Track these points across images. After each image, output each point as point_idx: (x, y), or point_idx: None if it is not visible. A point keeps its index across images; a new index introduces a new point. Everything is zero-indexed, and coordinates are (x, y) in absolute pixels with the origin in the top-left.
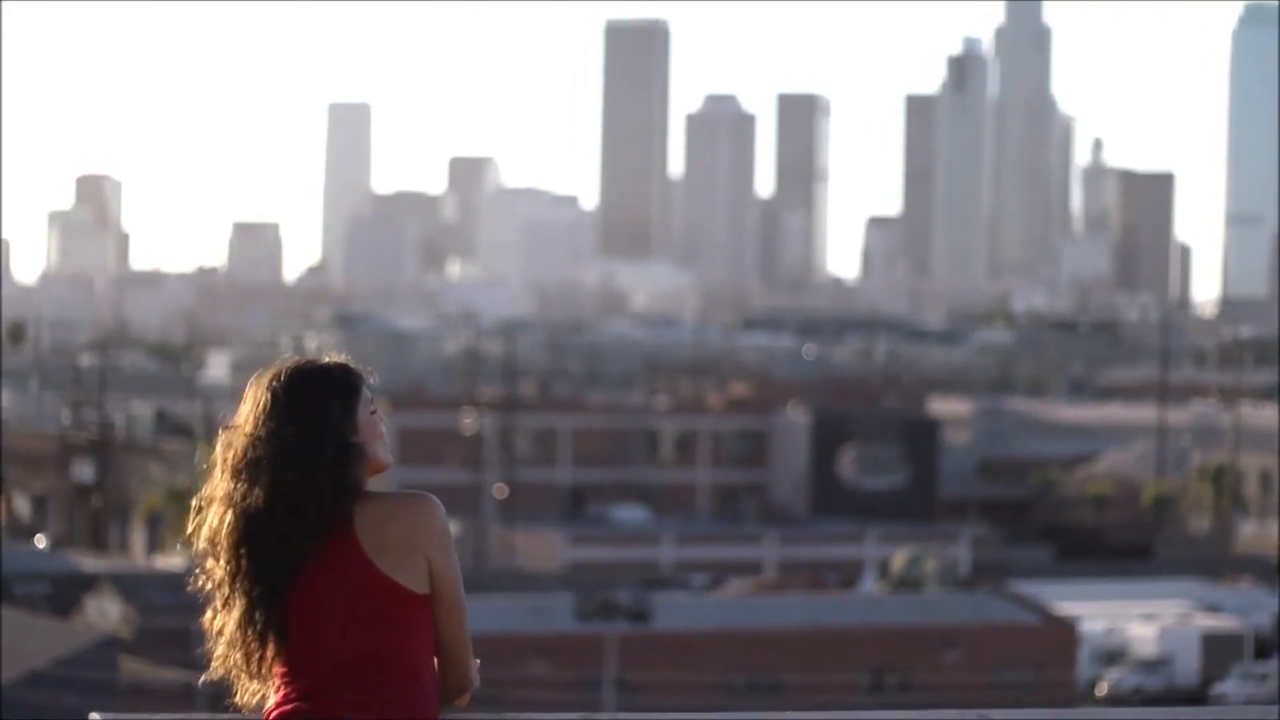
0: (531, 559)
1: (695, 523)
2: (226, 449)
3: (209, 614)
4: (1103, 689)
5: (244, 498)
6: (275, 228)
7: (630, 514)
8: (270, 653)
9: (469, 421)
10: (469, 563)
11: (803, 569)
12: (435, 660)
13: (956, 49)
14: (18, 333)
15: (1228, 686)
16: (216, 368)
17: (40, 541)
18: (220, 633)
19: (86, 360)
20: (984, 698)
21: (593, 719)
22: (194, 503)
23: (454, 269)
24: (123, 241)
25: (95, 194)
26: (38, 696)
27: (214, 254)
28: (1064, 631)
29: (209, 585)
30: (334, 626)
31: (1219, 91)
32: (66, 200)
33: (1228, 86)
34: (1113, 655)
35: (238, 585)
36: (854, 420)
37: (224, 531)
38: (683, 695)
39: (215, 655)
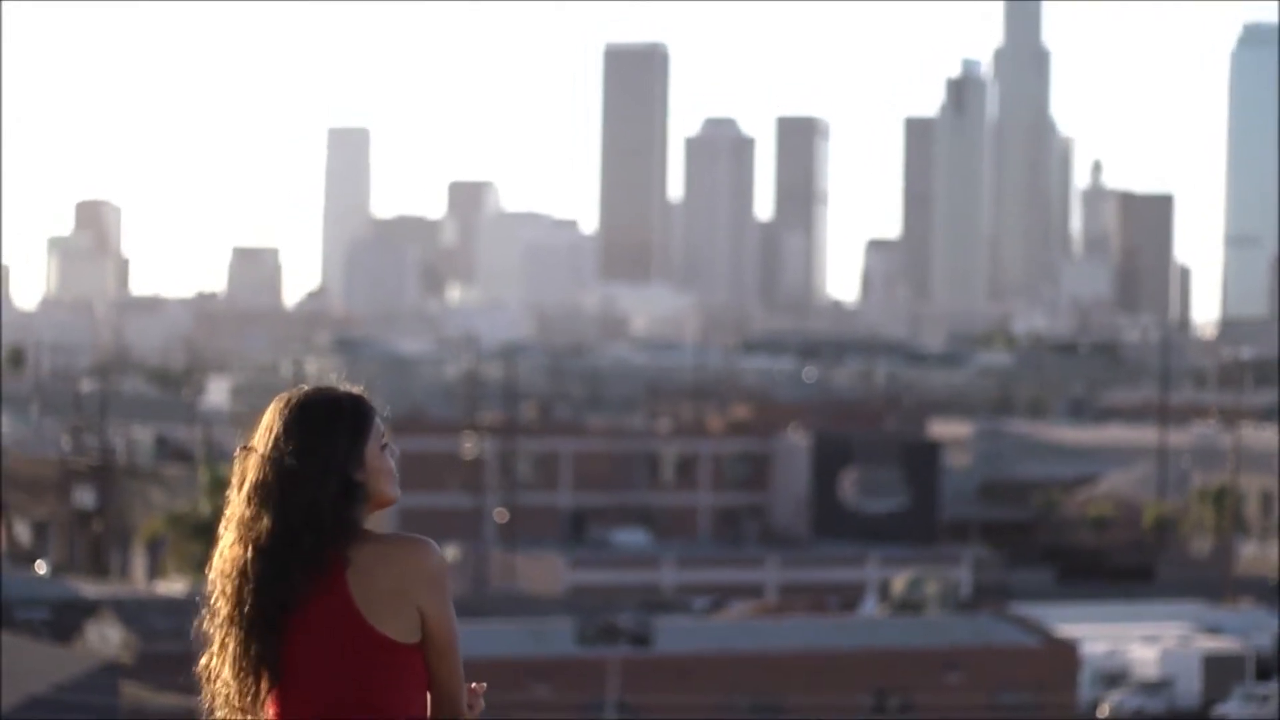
0: (532, 583)
1: (696, 546)
2: (241, 471)
3: (205, 658)
4: (1104, 711)
5: (252, 525)
6: (275, 253)
7: (631, 537)
8: (263, 689)
9: (469, 446)
10: (469, 588)
11: (804, 592)
12: (429, 700)
13: (955, 71)
14: (18, 358)
15: (1229, 708)
16: (216, 393)
17: (41, 567)
18: (214, 675)
19: (87, 386)
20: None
21: None
22: (220, 528)
23: (454, 293)
24: (122, 267)
25: (95, 219)
26: None
27: (214, 279)
28: (1065, 653)
29: (211, 623)
30: (319, 673)
31: (1218, 112)
32: (66, 226)
33: (1226, 107)
34: (1114, 677)
35: (237, 617)
36: (855, 443)
37: (231, 563)
38: (684, 718)
39: (210, 692)
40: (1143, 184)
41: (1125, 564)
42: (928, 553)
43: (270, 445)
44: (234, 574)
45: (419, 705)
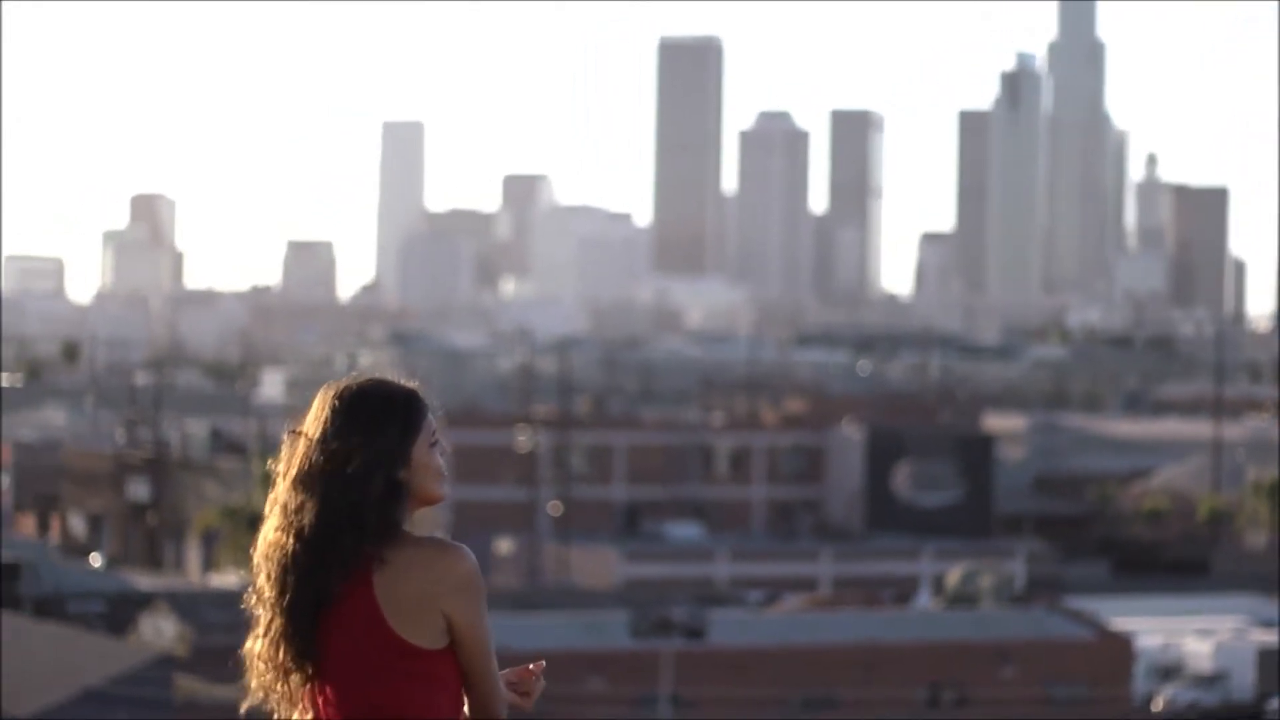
0: (587, 576)
1: (750, 539)
2: (289, 456)
3: (250, 640)
4: (1158, 705)
5: (297, 513)
6: (329, 246)
7: (685, 531)
8: (303, 677)
9: (524, 439)
10: (524, 581)
11: (858, 585)
12: (466, 701)
13: (1010, 64)
14: (73, 352)
15: None
16: (271, 386)
17: (95, 560)
18: (259, 657)
19: (141, 379)
20: (1040, 713)
21: None
22: (265, 509)
23: (508, 287)
24: (177, 260)
25: (150, 213)
26: (93, 714)
27: (268, 272)
28: (1120, 647)
29: (256, 604)
30: (347, 674)
31: (1272, 105)
32: (121, 220)
33: (1278, 99)
34: (1168, 671)
35: (280, 604)
36: (909, 436)
37: (275, 548)
38: (738, 711)
39: (253, 678)
40: (1198, 177)
41: (1180, 557)
42: (982, 546)
43: (320, 434)
44: (277, 559)
45: (447, 710)
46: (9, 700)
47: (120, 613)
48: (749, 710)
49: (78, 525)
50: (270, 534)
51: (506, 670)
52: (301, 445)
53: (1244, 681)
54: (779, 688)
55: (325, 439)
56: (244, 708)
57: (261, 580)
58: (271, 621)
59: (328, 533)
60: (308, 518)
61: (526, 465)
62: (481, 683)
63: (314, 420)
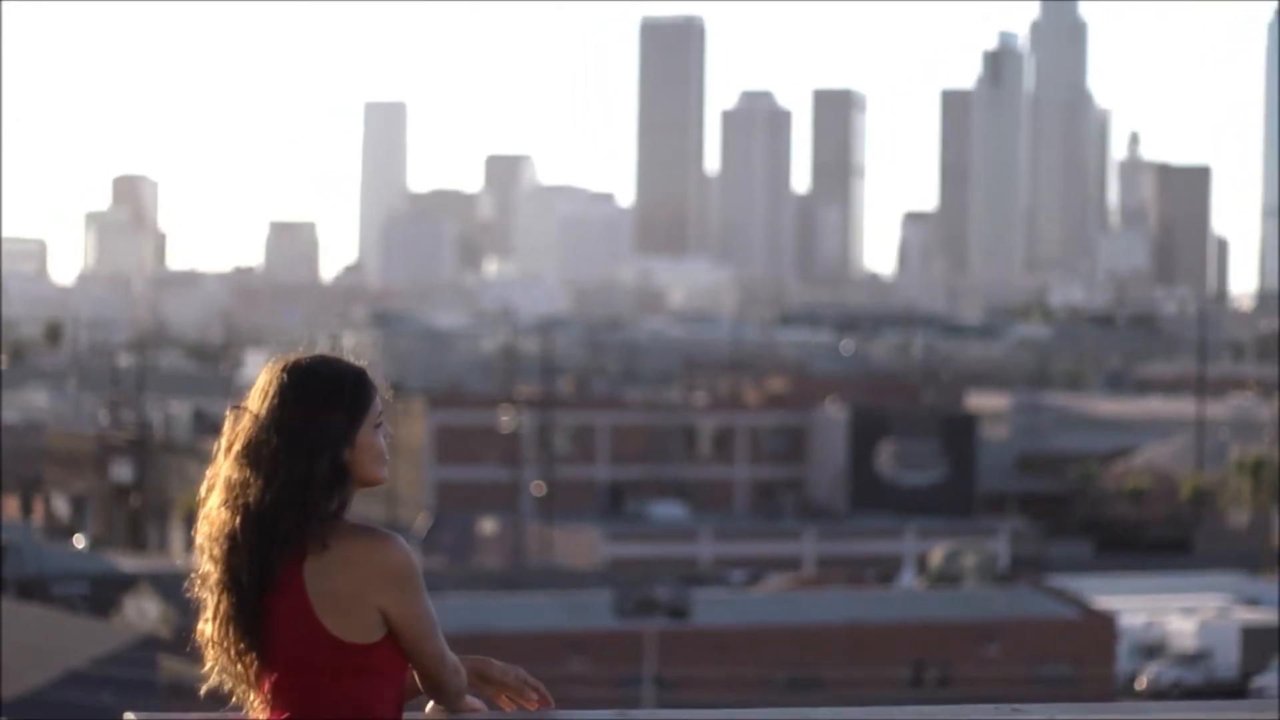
0: (570, 556)
1: (733, 519)
2: (233, 432)
3: (200, 624)
4: (1142, 683)
5: (242, 490)
6: (311, 226)
7: (668, 511)
8: (255, 662)
9: (507, 419)
10: (507, 561)
11: (841, 564)
12: (415, 679)
13: (992, 44)
14: (56, 334)
15: (1268, 680)
16: (254, 367)
17: (79, 542)
18: (210, 640)
19: (124, 361)
20: (1023, 692)
21: (628, 715)
22: (202, 487)
23: (491, 267)
24: (160, 241)
25: (132, 194)
26: (76, 696)
27: (251, 253)
28: (1103, 626)
29: (201, 586)
30: (285, 664)
31: (1255, 83)
32: (104, 201)
33: (1263, 78)
34: (1152, 649)
35: (228, 582)
36: (892, 416)
37: (220, 527)
38: (722, 691)
39: (208, 661)
40: (1180, 156)
41: (1163, 536)
42: (965, 525)
43: (266, 410)
44: (222, 538)
45: (387, 700)
46: None
47: (104, 594)
48: (733, 690)
49: (61, 507)
50: (214, 512)
51: (508, 668)
52: (246, 421)
53: (1228, 660)
54: (762, 667)
55: (272, 416)
56: (203, 690)
57: (206, 560)
58: (219, 603)
59: (273, 511)
60: (253, 496)
61: (509, 445)
62: (424, 661)
63: (259, 396)
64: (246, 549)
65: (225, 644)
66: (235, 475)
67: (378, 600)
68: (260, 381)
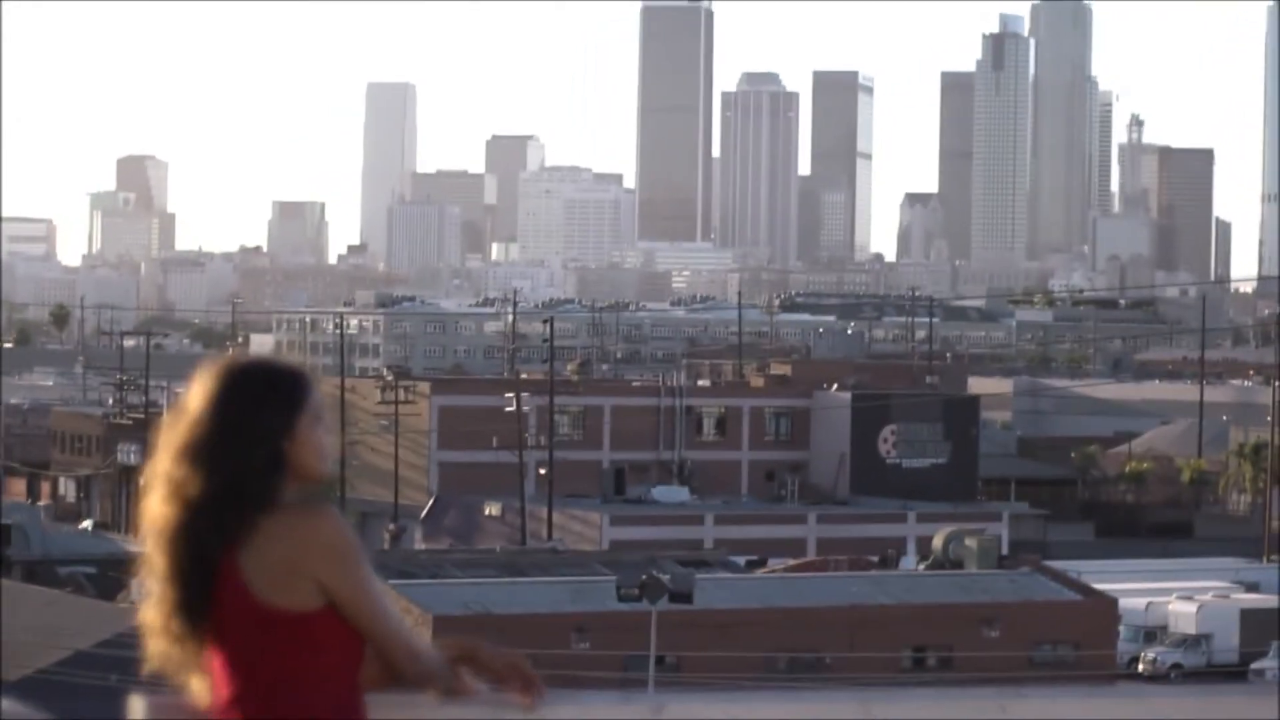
0: (573, 539)
1: (736, 502)
2: (173, 429)
3: (143, 611)
4: (1143, 665)
5: (183, 483)
6: (318, 206)
7: (672, 494)
8: (198, 648)
9: (510, 402)
10: (511, 543)
11: (844, 548)
12: (373, 661)
13: (993, 26)
14: (62, 316)
15: (1267, 663)
16: (260, 349)
17: (86, 524)
18: (152, 626)
19: (130, 342)
20: (1024, 674)
21: (632, 696)
22: (141, 482)
23: (496, 249)
24: (167, 222)
25: (139, 176)
26: (84, 678)
27: (257, 233)
28: (1104, 609)
29: (147, 575)
30: (229, 644)
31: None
32: (108, 181)
33: (1264, 62)
34: (1152, 632)
35: (168, 574)
36: (894, 399)
37: (161, 520)
38: (724, 673)
39: (150, 647)
40: (1182, 139)
41: (1163, 520)
42: (967, 509)
43: (204, 408)
44: (163, 530)
45: (337, 671)
46: None
47: (110, 576)
48: (735, 672)
49: (67, 489)
50: (155, 506)
51: (503, 654)
52: (185, 419)
53: (1227, 643)
54: (765, 650)
55: (209, 413)
56: (144, 673)
57: (150, 552)
58: (163, 591)
59: (211, 502)
60: (191, 488)
61: (513, 428)
62: (376, 642)
63: (198, 396)
64: (186, 539)
65: (168, 630)
66: (174, 470)
67: (313, 570)
68: (199, 383)
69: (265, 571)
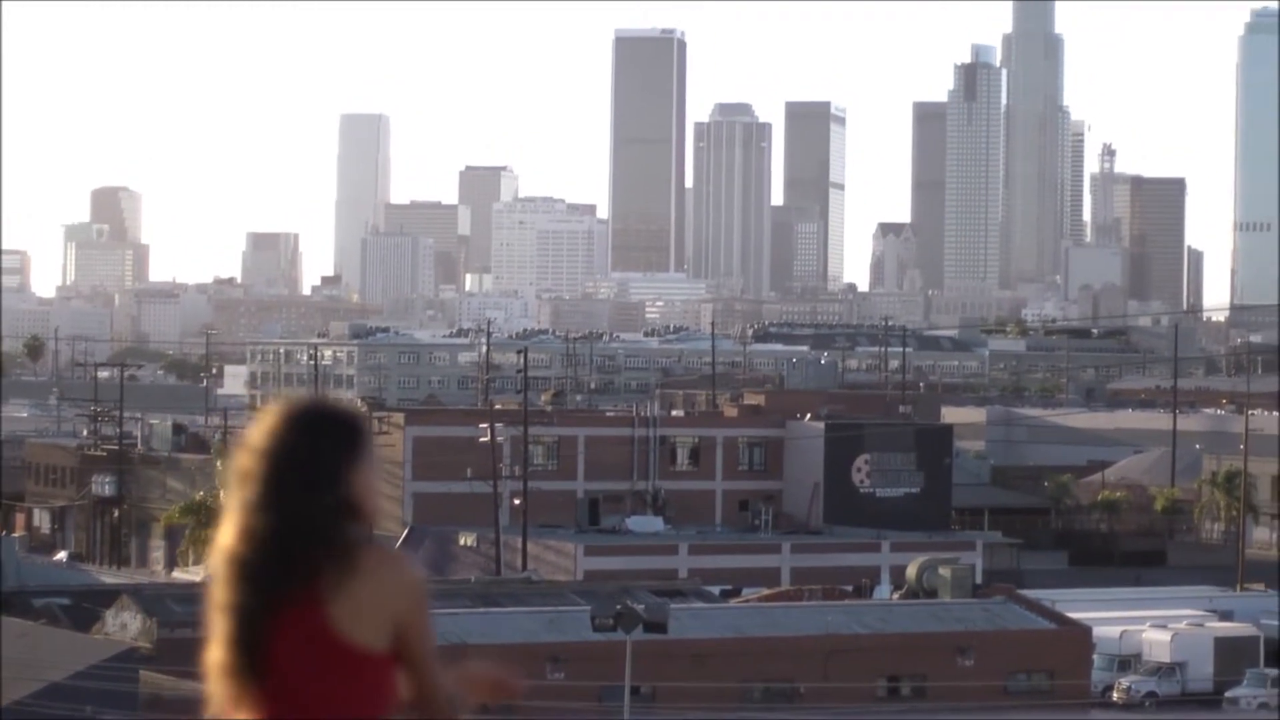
0: (548, 569)
1: (710, 532)
2: (246, 467)
3: (209, 647)
4: (1117, 694)
5: (253, 522)
6: (292, 237)
7: (646, 524)
8: (252, 683)
9: (485, 432)
10: (485, 574)
11: (818, 578)
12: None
13: (965, 56)
14: (37, 348)
15: (1241, 691)
16: (233, 380)
17: (60, 555)
18: (214, 663)
19: (105, 374)
20: (999, 703)
21: None
22: (222, 516)
23: (469, 279)
24: (140, 254)
25: (112, 207)
26: (59, 708)
27: (230, 265)
28: (1078, 637)
29: (213, 611)
30: (296, 679)
31: (1228, 97)
32: (82, 213)
33: (1235, 92)
34: (1126, 661)
35: (234, 611)
36: (867, 429)
37: (230, 555)
38: (699, 703)
39: (212, 688)
40: (1155, 169)
41: (1137, 548)
42: (941, 538)
43: (272, 451)
44: (231, 566)
45: (386, 711)
46: None
47: (85, 607)
48: (710, 701)
49: (42, 520)
50: (226, 541)
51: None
52: (258, 458)
53: (1201, 671)
54: (740, 679)
55: (280, 455)
56: (210, 714)
57: (217, 586)
58: (227, 628)
59: (282, 542)
60: (263, 526)
61: (487, 459)
62: (424, 682)
63: (266, 437)
64: (254, 577)
65: (227, 666)
66: (248, 508)
67: (394, 610)
68: (271, 420)
69: (352, 610)
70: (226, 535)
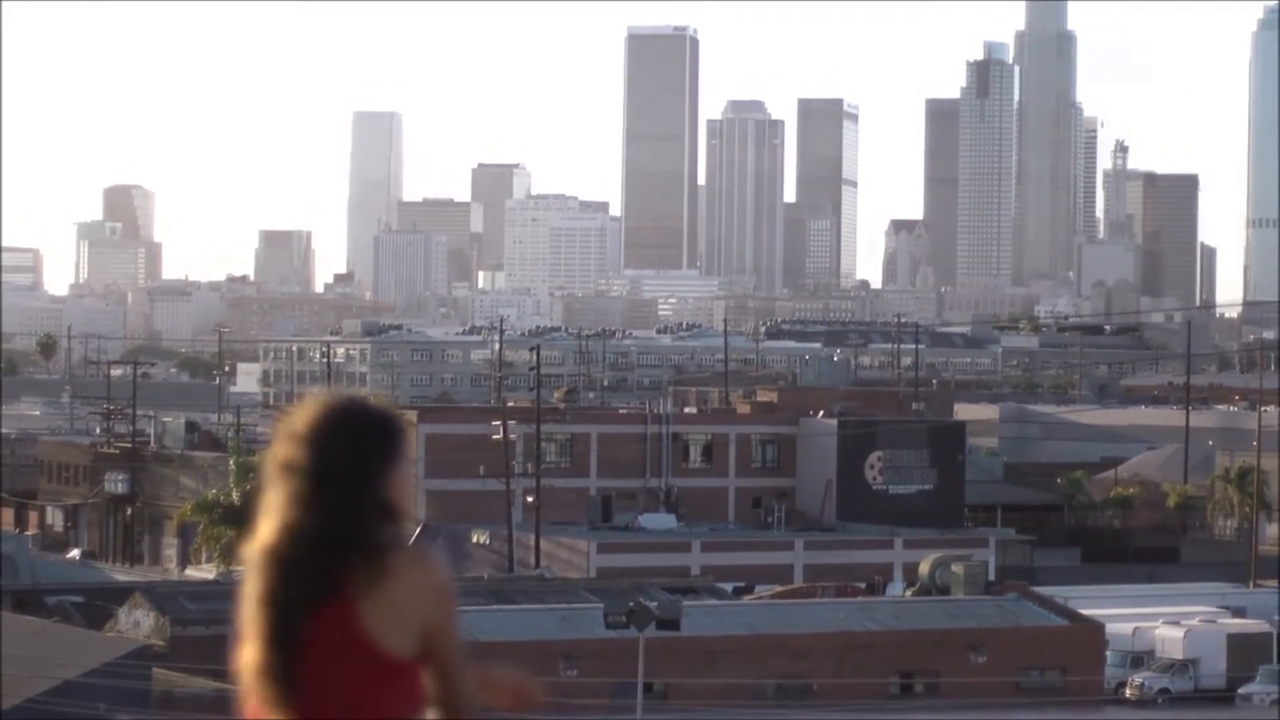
0: (561, 566)
1: (723, 529)
2: (285, 464)
3: (243, 648)
4: (1130, 691)
5: (291, 519)
6: (304, 235)
7: (658, 521)
8: (286, 686)
9: (497, 429)
10: (498, 571)
11: (831, 574)
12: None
13: (977, 53)
14: (50, 346)
15: (1254, 688)
16: (246, 378)
17: (73, 552)
18: (251, 665)
19: (117, 372)
20: (1012, 700)
21: None
22: (259, 513)
23: (482, 277)
24: (153, 251)
25: (125, 205)
26: (72, 706)
27: (243, 262)
28: (1091, 634)
29: (248, 610)
30: (327, 682)
31: (1240, 93)
32: (96, 212)
33: (1247, 88)
34: (1139, 657)
35: (271, 611)
36: (880, 426)
37: (267, 552)
38: (713, 700)
39: (245, 689)
40: (1167, 165)
41: (1150, 545)
42: (953, 535)
43: (316, 447)
44: (270, 562)
45: (414, 715)
46: None
47: (98, 605)
48: (723, 699)
49: (55, 518)
50: (264, 537)
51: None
52: (297, 455)
53: (1214, 668)
54: (753, 676)
55: (322, 452)
56: (240, 715)
57: (252, 580)
58: (259, 623)
59: (323, 542)
60: (305, 525)
61: (500, 456)
62: (450, 687)
63: (312, 432)
64: (292, 576)
65: (261, 668)
66: (287, 505)
67: (425, 614)
68: (311, 417)
69: (384, 614)
70: (265, 530)
